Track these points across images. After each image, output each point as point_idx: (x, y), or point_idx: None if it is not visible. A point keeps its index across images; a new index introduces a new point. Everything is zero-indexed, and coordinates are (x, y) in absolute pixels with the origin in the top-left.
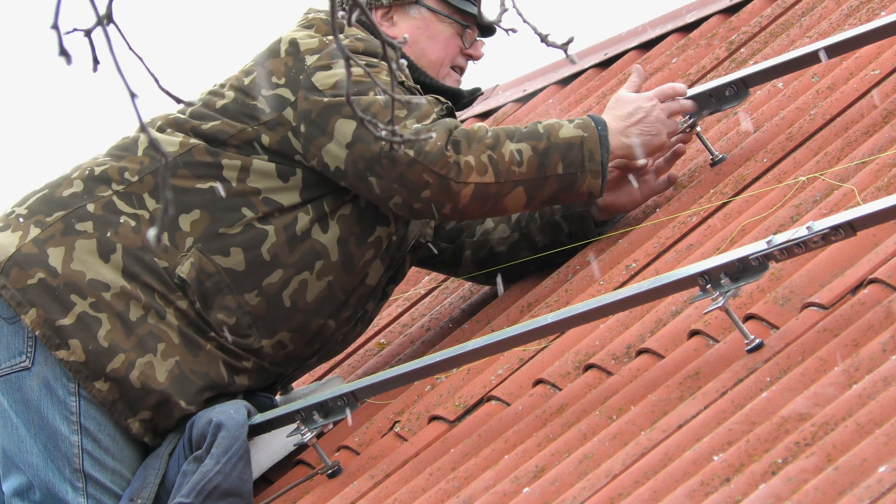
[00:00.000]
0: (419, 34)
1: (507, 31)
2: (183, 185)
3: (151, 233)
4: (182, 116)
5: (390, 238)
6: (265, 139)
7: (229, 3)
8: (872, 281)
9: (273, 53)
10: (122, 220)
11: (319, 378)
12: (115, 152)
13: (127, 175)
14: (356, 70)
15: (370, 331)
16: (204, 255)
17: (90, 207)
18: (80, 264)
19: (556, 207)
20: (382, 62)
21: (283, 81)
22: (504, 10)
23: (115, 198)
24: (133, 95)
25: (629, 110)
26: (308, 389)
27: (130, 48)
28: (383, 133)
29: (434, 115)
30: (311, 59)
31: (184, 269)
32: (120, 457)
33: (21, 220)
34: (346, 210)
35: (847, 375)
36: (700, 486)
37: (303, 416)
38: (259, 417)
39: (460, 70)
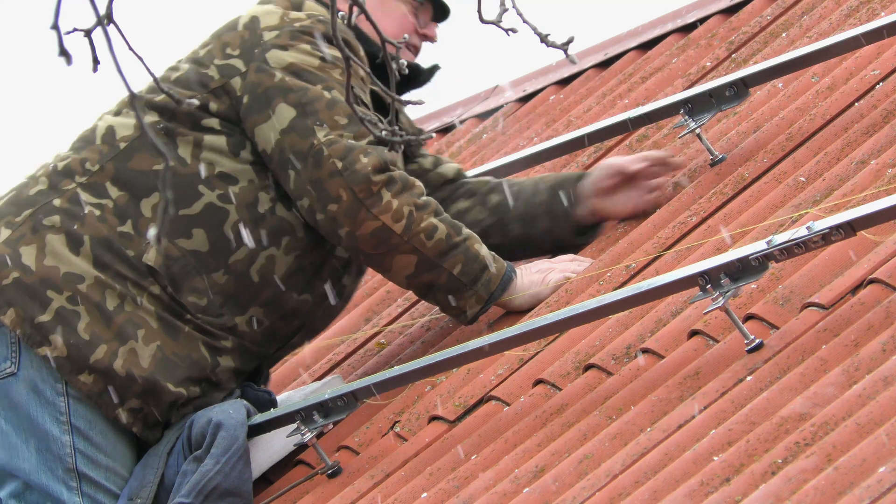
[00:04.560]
0: (373, 9)
1: (507, 31)
2: (142, 168)
3: (152, 232)
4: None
5: None
6: (213, 107)
7: (229, 3)
8: (872, 281)
9: (231, 27)
10: (86, 211)
11: (319, 378)
12: (77, 144)
13: (88, 165)
14: (310, 60)
15: (370, 331)
16: (169, 239)
17: (56, 202)
18: (53, 259)
19: (540, 188)
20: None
21: (237, 53)
22: (504, 10)
23: (78, 189)
24: (133, 96)
25: (540, 267)
26: (308, 389)
27: (130, 48)
28: (383, 133)
29: (370, 137)
30: (269, 35)
31: (150, 257)
32: (112, 453)
33: None
34: None
35: (847, 375)
36: (700, 486)
37: (303, 416)
38: (259, 417)
39: (415, 50)
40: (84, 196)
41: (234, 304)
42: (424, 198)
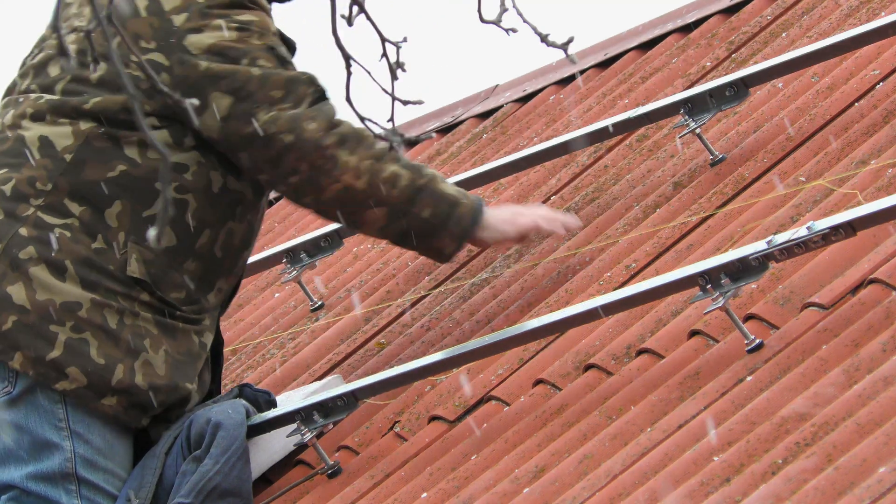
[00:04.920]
0: None
1: (507, 31)
2: (95, 178)
3: (152, 233)
4: (55, 98)
5: None
6: (147, 107)
7: None
8: (872, 281)
9: (133, 12)
10: (57, 235)
11: (319, 378)
12: (8, 160)
13: (38, 185)
14: (228, 34)
15: (370, 331)
16: (139, 244)
17: (23, 232)
18: (45, 292)
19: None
20: (254, 15)
21: (153, 45)
22: (504, 10)
23: (39, 213)
24: (133, 97)
25: (512, 210)
26: (308, 389)
27: (130, 48)
28: (381, 132)
29: (309, 98)
30: (179, 20)
31: (133, 269)
32: (111, 454)
33: None
34: None
35: (847, 375)
36: (700, 486)
37: (303, 416)
38: (259, 417)
39: None
40: (47, 219)
41: (205, 284)
42: (379, 146)
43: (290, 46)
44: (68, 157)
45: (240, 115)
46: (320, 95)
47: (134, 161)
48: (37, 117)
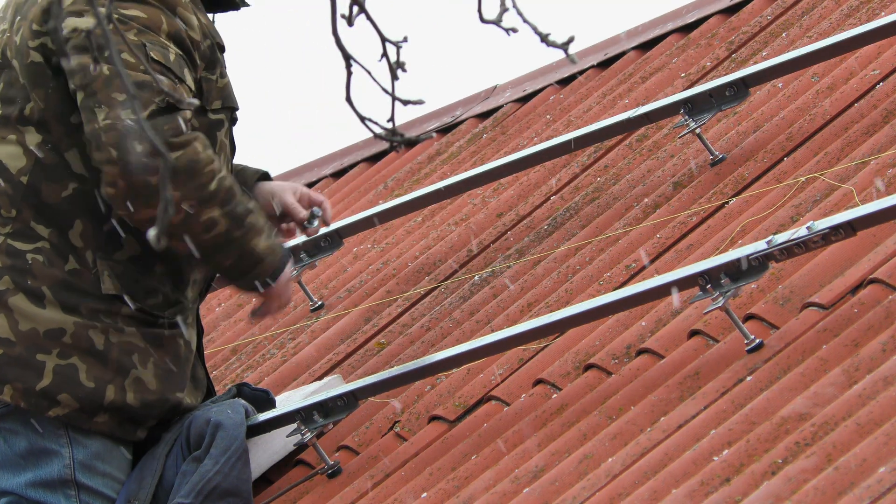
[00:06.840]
0: None
1: (507, 30)
2: (53, 200)
3: (152, 233)
4: None
5: (230, 118)
6: (40, 105)
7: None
8: (872, 281)
9: (32, 2)
10: (30, 261)
11: (319, 378)
12: None
13: (3, 212)
14: (93, 22)
15: (370, 331)
16: (108, 260)
17: None
18: (27, 322)
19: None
20: (142, 11)
21: (44, 28)
22: (504, 10)
23: (9, 241)
24: (133, 98)
25: (290, 282)
26: (308, 389)
27: (131, 48)
28: (381, 132)
29: (152, 106)
30: (66, 2)
31: (108, 286)
32: (110, 458)
33: None
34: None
35: (847, 375)
36: (700, 486)
37: (303, 416)
38: (258, 417)
39: None
40: (18, 245)
41: (179, 282)
42: (212, 186)
43: (220, 47)
44: (24, 179)
45: (87, 110)
46: (167, 106)
47: (83, 177)
48: None
